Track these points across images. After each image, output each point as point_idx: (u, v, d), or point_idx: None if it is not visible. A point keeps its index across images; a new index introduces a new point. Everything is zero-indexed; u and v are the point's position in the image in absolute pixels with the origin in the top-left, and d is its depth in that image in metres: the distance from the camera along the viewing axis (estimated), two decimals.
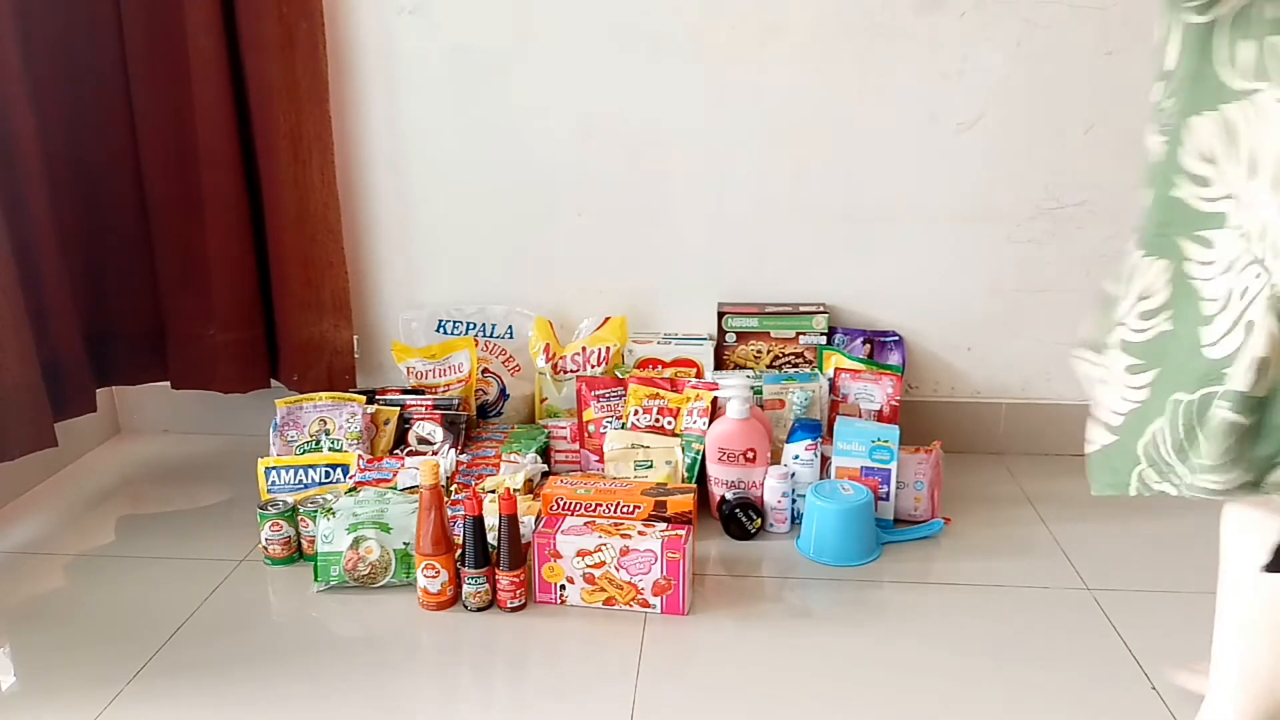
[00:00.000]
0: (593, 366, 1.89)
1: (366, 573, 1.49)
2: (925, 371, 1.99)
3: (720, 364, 1.93)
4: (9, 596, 1.53)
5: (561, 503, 1.52)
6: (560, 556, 1.43)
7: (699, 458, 1.72)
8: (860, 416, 1.78)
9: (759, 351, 1.94)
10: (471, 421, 1.89)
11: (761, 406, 1.76)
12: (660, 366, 1.92)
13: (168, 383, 2.01)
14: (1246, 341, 0.88)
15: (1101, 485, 1.08)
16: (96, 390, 1.88)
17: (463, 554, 1.43)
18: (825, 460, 1.70)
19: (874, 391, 1.79)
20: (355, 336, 2.02)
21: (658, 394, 1.79)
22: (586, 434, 1.83)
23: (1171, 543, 1.64)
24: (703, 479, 1.71)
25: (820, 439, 1.70)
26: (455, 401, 1.87)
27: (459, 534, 1.44)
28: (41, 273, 1.71)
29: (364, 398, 1.83)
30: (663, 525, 1.46)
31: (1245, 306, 0.89)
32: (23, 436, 1.67)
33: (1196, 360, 0.94)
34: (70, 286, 1.78)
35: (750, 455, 1.66)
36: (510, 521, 1.42)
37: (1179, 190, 0.95)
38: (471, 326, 2.01)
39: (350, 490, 1.59)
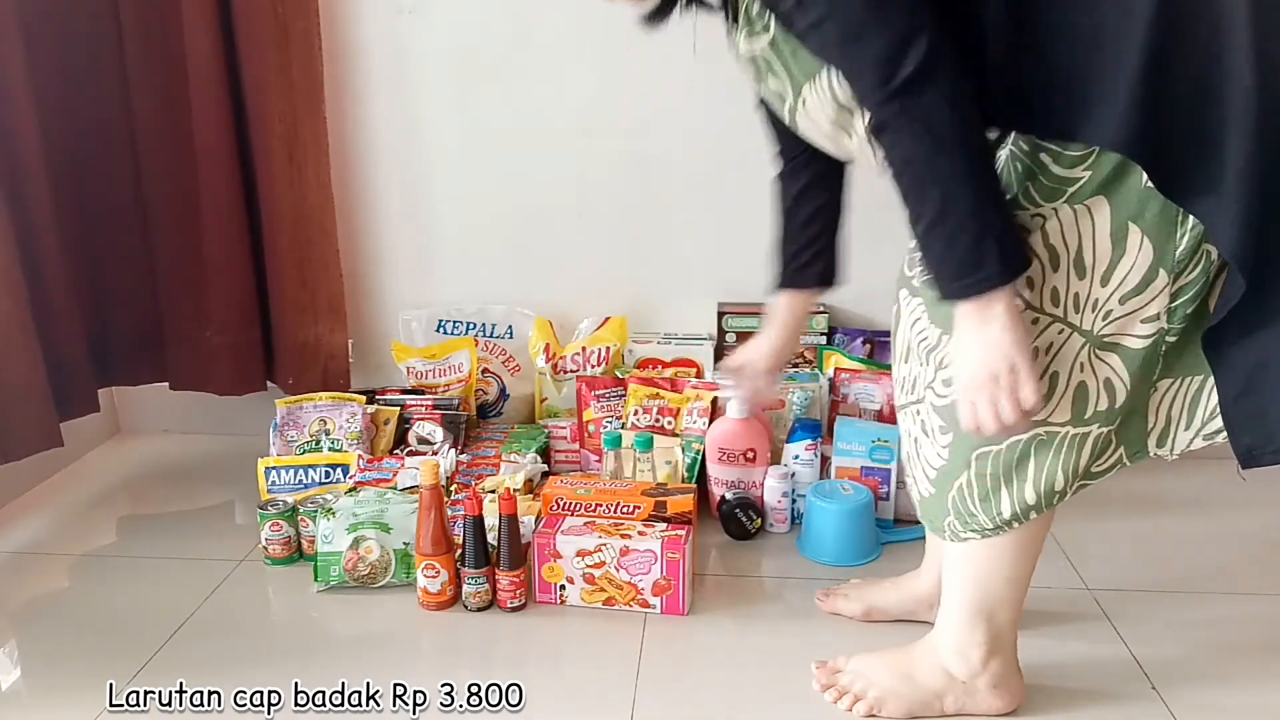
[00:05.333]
0: (593, 366, 1.89)
1: (366, 573, 1.49)
2: None
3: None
4: (9, 596, 1.53)
5: (561, 503, 1.52)
6: (560, 556, 1.43)
7: (699, 458, 1.72)
8: (860, 416, 1.78)
9: None
10: (471, 421, 1.89)
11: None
12: (660, 366, 1.92)
13: (167, 383, 2.01)
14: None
15: (930, 528, 1.21)
16: (98, 390, 1.88)
17: (463, 554, 1.43)
18: (825, 460, 1.70)
19: (874, 391, 1.79)
20: (350, 340, 2.02)
21: (658, 394, 1.79)
22: (586, 434, 1.83)
23: (1171, 543, 1.64)
24: (703, 479, 1.71)
25: (820, 439, 1.70)
26: (455, 401, 1.87)
27: (459, 534, 1.44)
28: (45, 274, 1.71)
29: (364, 398, 1.83)
30: (663, 525, 1.46)
31: (1050, 360, 1.04)
32: (30, 436, 1.67)
33: None
34: (72, 287, 1.78)
35: (750, 455, 1.66)
36: (510, 521, 1.42)
37: None
38: (471, 326, 2.00)
39: (350, 490, 1.59)
